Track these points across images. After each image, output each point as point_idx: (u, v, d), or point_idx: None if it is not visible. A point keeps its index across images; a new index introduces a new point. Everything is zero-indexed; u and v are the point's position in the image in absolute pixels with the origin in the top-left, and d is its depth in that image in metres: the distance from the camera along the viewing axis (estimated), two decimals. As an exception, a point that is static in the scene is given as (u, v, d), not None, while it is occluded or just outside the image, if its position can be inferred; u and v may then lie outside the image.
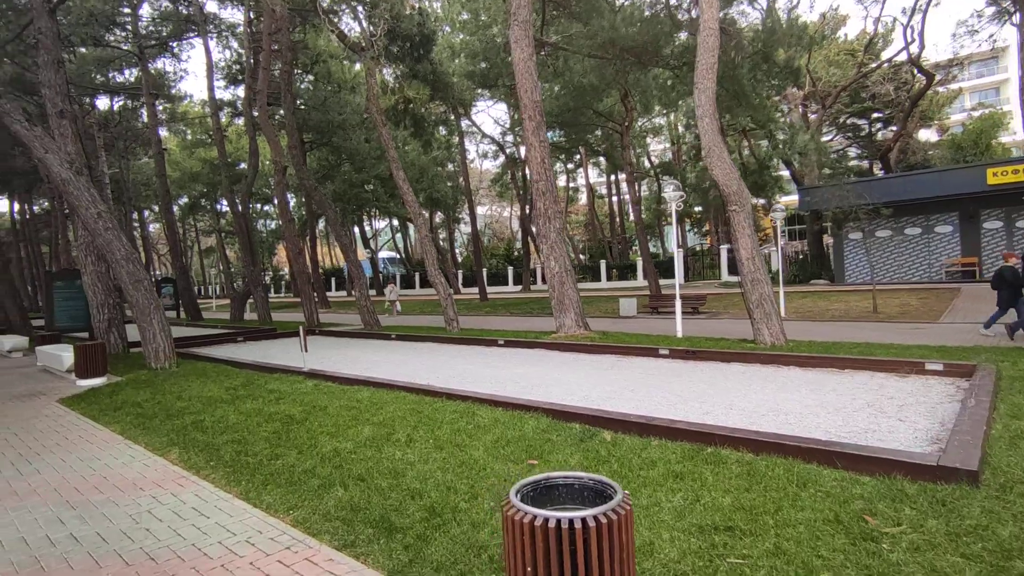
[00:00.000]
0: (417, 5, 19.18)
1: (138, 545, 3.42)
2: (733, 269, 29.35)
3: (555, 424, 5.24)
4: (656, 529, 3.12)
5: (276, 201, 24.80)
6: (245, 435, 5.56)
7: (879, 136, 33.22)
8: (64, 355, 10.43)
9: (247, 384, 8.25)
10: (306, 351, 9.29)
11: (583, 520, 1.80)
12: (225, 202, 34.26)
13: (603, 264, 36.18)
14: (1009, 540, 2.84)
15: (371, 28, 16.25)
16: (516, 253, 44.95)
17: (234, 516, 3.76)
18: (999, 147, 31.67)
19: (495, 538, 3.14)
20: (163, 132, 35.34)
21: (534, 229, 29.74)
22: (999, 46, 29.05)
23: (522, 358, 10.28)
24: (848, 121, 32.92)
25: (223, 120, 27.75)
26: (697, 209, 37.71)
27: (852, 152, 35.44)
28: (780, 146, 23.17)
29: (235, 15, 25.97)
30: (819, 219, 25.01)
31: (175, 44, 27.22)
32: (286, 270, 59.86)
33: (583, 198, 49.62)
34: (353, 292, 23.53)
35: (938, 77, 27.70)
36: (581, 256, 46.44)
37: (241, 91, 26.80)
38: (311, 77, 27.88)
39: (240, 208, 24.27)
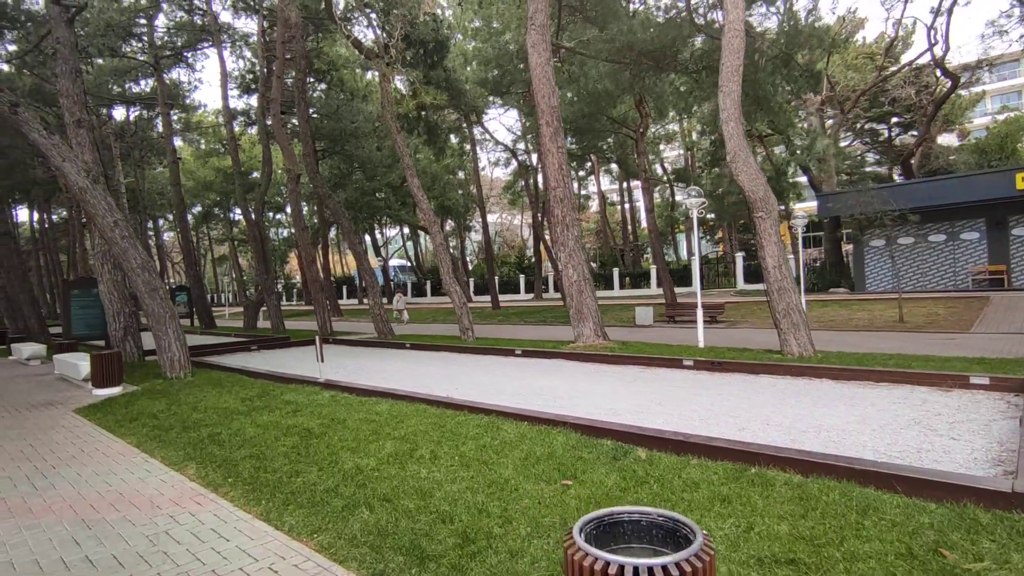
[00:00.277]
0: (432, 11, 19.15)
1: (156, 570, 3.24)
2: (749, 277, 28.91)
3: (585, 440, 5.01)
4: (710, 561, 2.88)
5: (289, 209, 24.84)
6: (263, 450, 5.38)
7: (898, 141, 32.69)
8: (81, 364, 10.43)
9: (263, 395, 8.10)
10: (322, 361, 9.14)
11: (664, 568, 1.58)
12: (238, 210, 34.54)
13: (615, 272, 35.85)
14: (1107, 579, 2.57)
15: (385, 35, 16.22)
16: (527, 261, 44.75)
17: (255, 539, 3.57)
18: (1024, 151, 31.01)
19: (536, 569, 2.92)
20: (177, 141, 35.65)
21: (549, 237, 29.58)
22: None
23: (541, 368, 10.05)
24: (866, 126, 32.44)
25: (236, 129, 27.88)
26: (710, 216, 37.29)
27: (870, 158, 34.91)
28: (798, 152, 22.79)
29: (249, 25, 26.26)
30: (839, 226, 24.58)
31: (190, 54, 27.45)
32: (298, 278, 60.12)
33: (594, 205, 49.40)
34: (366, 300, 23.44)
35: (962, 80, 27.13)
36: (592, 264, 46.16)
37: (254, 100, 26.96)
38: (323, 86, 27.99)
39: (253, 216, 24.33)
